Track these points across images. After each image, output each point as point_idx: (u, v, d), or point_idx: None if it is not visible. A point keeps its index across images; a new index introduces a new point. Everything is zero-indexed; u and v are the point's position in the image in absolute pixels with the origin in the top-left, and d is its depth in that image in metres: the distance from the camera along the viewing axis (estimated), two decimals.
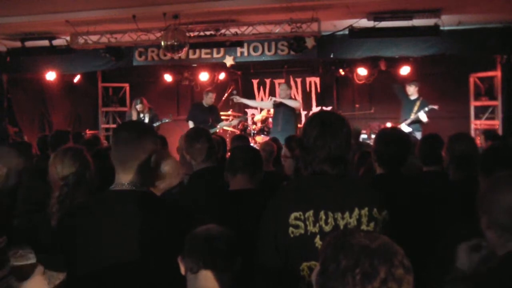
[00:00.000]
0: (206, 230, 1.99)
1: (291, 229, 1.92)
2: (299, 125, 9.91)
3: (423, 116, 8.16)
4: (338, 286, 1.14)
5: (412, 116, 8.27)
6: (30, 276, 1.79)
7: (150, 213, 2.00)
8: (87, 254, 1.96)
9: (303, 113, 10.67)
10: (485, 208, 1.74)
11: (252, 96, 11.00)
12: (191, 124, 8.67)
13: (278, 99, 8.31)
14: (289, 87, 8.64)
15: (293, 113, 8.46)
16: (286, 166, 4.69)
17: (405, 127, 8.09)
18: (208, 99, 8.95)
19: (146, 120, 8.54)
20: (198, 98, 9.77)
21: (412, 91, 8.50)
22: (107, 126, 11.37)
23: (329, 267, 1.16)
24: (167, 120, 8.77)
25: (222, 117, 9.82)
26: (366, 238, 1.20)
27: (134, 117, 8.53)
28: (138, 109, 8.52)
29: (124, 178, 2.03)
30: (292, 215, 1.93)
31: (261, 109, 9.64)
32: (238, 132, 9.63)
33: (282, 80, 10.35)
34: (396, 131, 3.32)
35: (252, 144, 8.23)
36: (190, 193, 3.05)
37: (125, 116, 9.08)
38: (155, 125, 8.41)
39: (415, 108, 8.31)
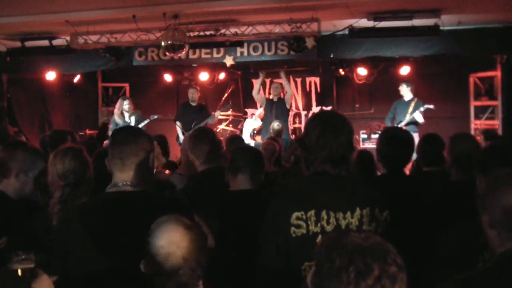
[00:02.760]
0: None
1: (292, 228, 1.93)
2: (299, 125, 9.99)
3: (418, 117, 8.11)
4: (333, 285, 1.15)
5: (407, 117, 8.24)
6: (34, 281, 1.78)
7: (150, 213, 2.00)
8: (87, 254, 1.96)
9: (303, 113, 10.70)
10: (485, 207, 1.75)
11: (252, 96, 11.00)
12: (178, 125, 8.74)
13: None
14: (282, 87, 8.97)
15: (285, 110, 8.64)
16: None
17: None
18: (189, 95, 9.04)
19: (132, 122, 8.45)
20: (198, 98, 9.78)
21: (405, 92, 8.48)
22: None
23: (323, 267, 1.18)
24: (155, 117, 8.73)
25: (222, 117, 9.85)
26: (359, 238, 1.22)
27: (117, 118, 8.49)
28: (127, 109, 8.48)
29: (122, 177, 2.06)
30: (294, 215, 1.93)
31: (260, 106, 9.74)
32: (238, 132, 9.64)
33: (282, 80, 10.40)
34: (399, 131, 3.32)
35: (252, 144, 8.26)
36: (193, 193, 3.05)
37: (110, 119, 9.01)
38: (143, 124, 8.38)
39: (410, 109, 8.28)
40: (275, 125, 7.84)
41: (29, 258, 1.80)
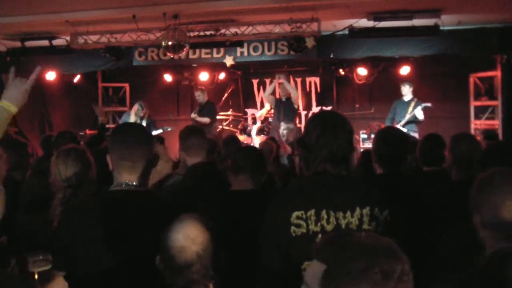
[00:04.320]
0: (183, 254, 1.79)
1: (292, 228, 1.93)
2: (299, 125, 10.00)
3: (419, 114, 8.23)
4: (354, 287, 1.12)
5: (407, 117, 8.32)
6: (50, 282, 1.77)
7: (155, 213, 2.00)
8: (90, 254, 1.94)
9: (303, 113, 10.70)
10: (478, 207, 1.76)
11: (252, 96, 11.02)
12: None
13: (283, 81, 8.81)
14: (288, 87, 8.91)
15: (294, 110, 8.66)
16: (296, 163, 4.69)
17: (400, 128, 8.10)
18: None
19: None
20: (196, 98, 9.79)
21: (407, 91, 8.55)
22: (107, 126, 11.33)
23: (342, 269, 1.14)
24: (169, 129, 8.74)
25: (221, 117, 9.84)
26: (370, 238, 1.20)
27: (132, 121, 8.50)
28: (140, 115, 8.50)
29: (128, 178, 2.04)
30: (294, 214, 1.94)
31: (262, 107, 9.76)
32: (238, 132, 9.64)
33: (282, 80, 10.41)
34: (394, 131, 3.32)
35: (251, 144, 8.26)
36: (190, 191, 3.05)
37: (122, 117, 9.01)
38: (154, 133, 8.38)
39: (410, 109, 8.38)
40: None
41: (46, 260, 1.77)
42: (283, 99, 8.92)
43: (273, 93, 9.38)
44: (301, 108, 10.76)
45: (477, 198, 1.76)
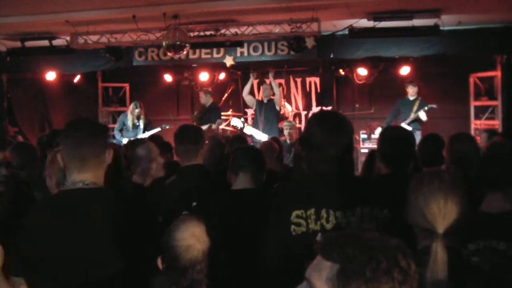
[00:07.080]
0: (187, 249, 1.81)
1: (292, 227, 1.94)
2: (299, 125, 9.99)
3: (422, 115, 8.31)
4: (377, 286, 1.11)
5: (412, 116, 8.37)
6: None
7: (110, 209, 1.95)
8: (47, 254, 1.89)
9: (303, 113, 10.70)
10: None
11: (252, 96, 11.01)
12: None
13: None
14: (271, 88, 8.88)
15: (277, 112, 8.60)
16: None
17: (404, 127, 8.13)
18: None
19: (141, 126, 8.47)
20: (198, 98, 9.80)
21: (413, 92, 8.60)
22: (108, 126, 11.34)
23: (360, 269, 1.10)
24: (167, 127, 8.72)
25: (222, 117, 9.84)
26: (379, 237, 1.19)
27: (130, 121, 8.49)
28: (136, 113, 8.47)
29: (80, 177, 1.98)
30: (294, 213, 1.94)
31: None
32: (238, 132, 9.63)
33: (282, 80, 10.38)
34: (400, 130, 3.31)
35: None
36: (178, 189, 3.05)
37: (119, 118, 8.97)
38: (152, 132, 8.34)
39: (414, 108, 8.43)
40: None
41: None
42: (265, 100, 8.86)
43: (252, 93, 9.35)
44: (300, 108, 10.78)
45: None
